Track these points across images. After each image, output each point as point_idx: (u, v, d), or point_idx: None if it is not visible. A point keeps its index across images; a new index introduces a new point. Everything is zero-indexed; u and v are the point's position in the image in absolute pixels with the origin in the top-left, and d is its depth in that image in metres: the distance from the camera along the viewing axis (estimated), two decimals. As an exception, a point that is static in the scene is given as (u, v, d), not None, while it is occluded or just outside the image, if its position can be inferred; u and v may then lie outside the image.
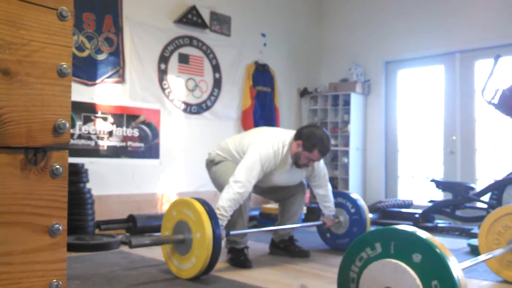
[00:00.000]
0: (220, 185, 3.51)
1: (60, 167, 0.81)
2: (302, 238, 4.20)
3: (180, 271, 3.02)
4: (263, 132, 3.65)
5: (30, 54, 0.78)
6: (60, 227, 0.81)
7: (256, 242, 4.27)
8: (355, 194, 4.15)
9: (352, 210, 4.01)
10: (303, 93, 7.17)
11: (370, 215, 4.15)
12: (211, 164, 3.66)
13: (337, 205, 4.03)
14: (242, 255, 3.43)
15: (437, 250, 1.68)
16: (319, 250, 4.05)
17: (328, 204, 3.90)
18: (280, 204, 3.94)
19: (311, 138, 3.39)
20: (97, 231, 4.42)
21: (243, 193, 3.25)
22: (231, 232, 3.29)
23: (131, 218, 4.60)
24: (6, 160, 0.76)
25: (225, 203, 3.18)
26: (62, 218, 0.81)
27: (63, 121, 0.81)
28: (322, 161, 3.79)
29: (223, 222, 3.15)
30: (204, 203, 3.01)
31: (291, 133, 3.57)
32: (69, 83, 0.82)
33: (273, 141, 3.46)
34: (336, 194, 4.11)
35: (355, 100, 6.79)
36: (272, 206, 5.30)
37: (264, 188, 3.78)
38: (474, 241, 3.93)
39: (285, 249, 3.85)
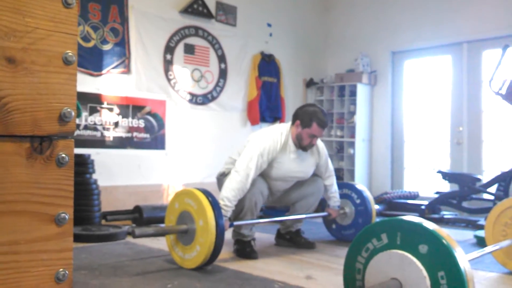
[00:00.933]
0: None
1: (66, 156, 0.81)
2: (308, 230, 4.20)
3: (184, 261, 3.03)
4: (261, 132, 3.66)
5: (35, 42, 0.77)
6: (67, 216, 0.80)
7: (262, 233, 4.28)
8: (360, 185, 4.15)
9: (358, 201, 4.00)
10: (309, 83, 7.14)
11: (376, 207, 4.14)
12: (221, 177, 3.62)
13: (342, 196, 4.02)
14: (248, 247, 3.44)
15: (444, 241, 1.67)
16: (324, 241, 4.05)
17: (333, 195, 3.89)
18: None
19: (307, 114, 3.49)
20: (103, 222, 4.44)
21: (245, 180, 3.26)
22: (235, 223, 3.30)
23: (137, 209, 4.61)
24: (11, 149, 0.76)
25: (228, 193, 3.20)
26: (68, 207, 0.81)
27: (69, 110, 0.80)
28: (326, 152, 3.81)
29: (227, 212, 3.15)
30: (206, 192, 3.02)
31: (289, 123, 3.62)
32: (74, 71, 0.82)
33: (270, 132, 3.55)
34: (341, 185, 4.10)
35: (362, 91, 6.76)
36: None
37: (281, 195, 3.78)
38: (481, 233, 3.92)
39: (290, 240, 3.85)
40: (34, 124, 0.77)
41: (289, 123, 3.61)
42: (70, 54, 0.80)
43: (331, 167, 3.89)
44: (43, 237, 0.78)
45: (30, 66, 0.77)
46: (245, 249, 3.42)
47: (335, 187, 3.90)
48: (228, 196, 3.19)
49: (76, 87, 0.82)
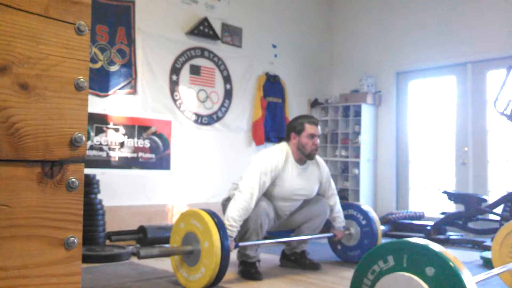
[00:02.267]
0: None
1: (76, 180, 0.82)
2: (313, 250, 4.18)
3: (189, 283, 3.02)
4: (261, 152, 3.67)
5: (48, 68, 0.79)
6: (76, 240, 0.81)
7: (267, 254, 4.25)
8: (366, 206, 4.13)
9: (363, 222, 3.99)
10: (314, 104, 7.17)
11: (382, 227, 4.12)
12: (226, 203, 3.57)
13: (348, 217, 4.01)
14: (253, 268, 3.42)
15: (451, 263, 1.67)
16: (330, 263, 4.03)
17: (337, 215, 3.89)
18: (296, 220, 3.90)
19: (295, 122, 3.64)
20: (107, 242, 4.43)
21: (249, 200, 3.26)
22: (240, 244, 3.29)
23: (142, 229, 4.60)
24: (23, 173, 0.77)
25: (233, 213, 3.20)
26: (77, 231, 0.82)
27: (80, 135, 0.82)
28: (327, 170, 3.85)
29: (232, 233, 3.15)
30: (212, 213, 3.02)
31: (285, 143, 3.66)
32: (85, 97, 0.83)
33: (270, 151, 3.59)
34: (347, 205, 4.09)
35: (366, 111, 6.78)
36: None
37: (287, 218, 3.76)
38: (487, 254, 3.89)
39: (296, 261, 3.83)
40: (45, 149, 0.78)
41: (285, 142, 3.64)
42: (82, 80, 0.82)
43: (333, 185, 3.91)
44: (52, 261, 0.79)
45: (42, 92, 0.78)
46: (249, 270, 3.40)
47: (338, 207, 3.90)
48: (233, 216, 3.18)
49: (87, 112, 0.83)
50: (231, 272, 3.45)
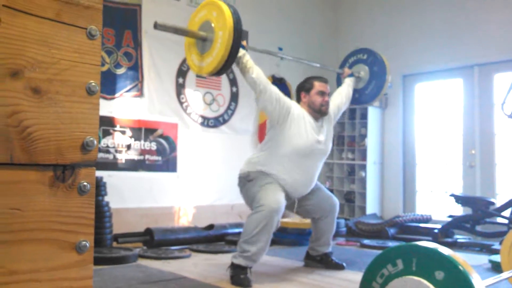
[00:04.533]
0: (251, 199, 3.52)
1: (87, 184, 0.82)
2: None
3: (201, 69, 3.21)
4: None
5: (60, 72, 0.79)
6: (87, 244, 0.81)
7: (272, 257, 4.25)
8: (379, 54, 4.38)
9: (373, 66, 4.28)
10: (320, 106, 7.15)
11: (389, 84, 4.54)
12: (244, 180, 3.59)
13: (358, 61, 4.33)
14: (242, 273, 3.29)
15: (460, 267, 1.66)
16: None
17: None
18: (313, 224, 3.94)
19: (304, 83, 3.74)
20: (114, 244, 4.44)
21: (265, 81, 3.43)
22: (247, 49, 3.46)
23: (148, 232, 4.61)
24: (35, 177, 0.77)
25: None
26: (89, 235, 0.82)
27: (91, 139, 0.82)
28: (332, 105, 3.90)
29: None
30: (234, 12, 3.13)
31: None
32: (97, 101, 0.83)
33: None
34: (356, 51, 4.45)
35: (373, 114, 6.76)
36: (289, 220, 5.27)
37: (302, 204, 3.77)
38: (496, 257, 3.86)
39: (321, 262, 3.89)
40: (57, 153, 0.79)
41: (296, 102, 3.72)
42: (93, 84, 0.82)
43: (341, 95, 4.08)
44: (64, 265, 0.79)
45: (54, 96, 0.78)
46: (239, 276, 3.28)
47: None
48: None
49: (98, 116, 0.83)
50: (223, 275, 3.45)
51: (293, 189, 3.58)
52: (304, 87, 3.67)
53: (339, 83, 4.37)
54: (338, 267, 3.82)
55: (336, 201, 3.95)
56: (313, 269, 3.83)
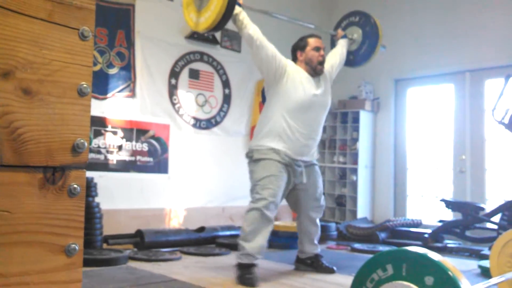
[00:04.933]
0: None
1: (77, 186, 0.81)
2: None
3: (198, 25, 3.25)
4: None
5: (51, 73, 0.78)
6: (77, 247, 0.80)
7: (265, 261, 4.24)
8: (373, 18, 4.44)
9: (366, 28, 4.37)
10: (312, 110, 7.16)
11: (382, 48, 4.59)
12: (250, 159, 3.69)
13: (351, 24, 4.42)
14: (248, 273, 3.40)
15: (450, 273, 1.66)
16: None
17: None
18: (298, 225, 3.94)
19: (298, 41, 3.83)
20: (105, 245, 4.41)
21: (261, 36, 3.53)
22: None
23: (139, 233, 4.59)
24: (25, 179, 0.76)
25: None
26: (78, 238, 0.81)
27: (82, 141, 0.81)
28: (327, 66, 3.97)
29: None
30: None
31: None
32: (88, 103, 0.83)
33: None
34: (350, 13, 4.58)
35: (364, 118, 6.78)
36: (280, 223, 5.27)
37: (292, 193, 3.77)
38: (485, 263, 3.88)
39: (311, 265, 3.89)
40: (47, 155, 0.78)
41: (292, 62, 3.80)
42: (85, 85, 0.81)
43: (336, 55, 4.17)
44: (53, 268, 0.78)
45: (45, 97, 0.78)
46: (244, 276, 3.37)
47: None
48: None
49: (90, 118, 0.83)
50: (228, 277, 3.44)
51: (297, 147, 3.60)
52: (299, 46, 3.77)
53: (333, 45, 4.44)
54: (329, 270, 3.83)
55: (323, 203, 3.93)
56: (304, 272, 3.83)
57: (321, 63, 3.72)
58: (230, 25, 6.08)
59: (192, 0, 3.41)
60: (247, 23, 3.46)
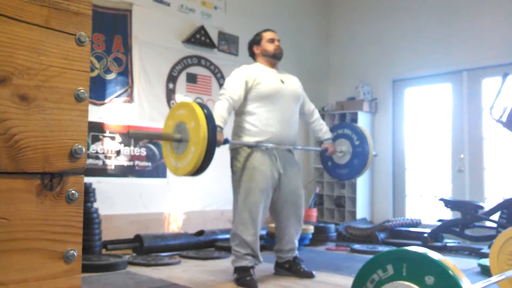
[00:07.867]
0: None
1: (75, 192, 0.81)
2: (309, 258, 4.16)
3: (177, 170, 3.15)
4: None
5: (48, 79, 0.78)
6: (75, 253, 0.80)
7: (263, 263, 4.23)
8: (362, 128, 4.23)
9: (357, 143, 4.09)
10: (310, 111, 7.17)
11: (374, 153, 4.27)
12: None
13: (342, 136, 4.17)
14: (248, 275, 3.40)
15: (450, 272, 1.66)
16: (327, 271, 4.01)
17: (322, 126, 4.05)
18: (276, 229, 3.87)
19: (253, 38, 3.88)
20: (103, 251, 4.40)
21: (229, 98, 3.46)
22: (230, 141, 3.52)
23: (138, 238, 4.58)
24: (22, 186, 0.76)
25: (218, 111, 3.39)
26: (77, 244, 0.81)
27: (80, 146, 0.81)
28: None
29: (220, 122, 3.33)
30: (201, 104, 3.15)
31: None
32: (86, 108, 0.82)
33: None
34: (342, 125, 4.35)
35: (362, 119, 6.79)
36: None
37: (274, 199, 3.73)
38: (485, 261, 3.88)
39: (289, 269, 3.79)
40: (45, 161, 0.78)
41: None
42: (82, 91, 0.81)
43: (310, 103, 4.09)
44: (52, 275, 0.78)
45: (42, 103, 0.77)
46: (245, 278, 3.38)
47: (321, 119, 4.10)
48: (218, 112, 3.38)
49: (87, 124, 0.83)
50: (227, 280, 3.43)
51: (278, 134, 3.61)
52: (255, 40, 3.83)
53: (322, 160, 4.34)
54: (308, 275, 3.71)
55: (302, 204, 3.82)
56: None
57: (277, 50, 3.75)
58: (227, 29, 6.11)
59: (171, 143, 3.28)
60: (216, 115, 3.33)
